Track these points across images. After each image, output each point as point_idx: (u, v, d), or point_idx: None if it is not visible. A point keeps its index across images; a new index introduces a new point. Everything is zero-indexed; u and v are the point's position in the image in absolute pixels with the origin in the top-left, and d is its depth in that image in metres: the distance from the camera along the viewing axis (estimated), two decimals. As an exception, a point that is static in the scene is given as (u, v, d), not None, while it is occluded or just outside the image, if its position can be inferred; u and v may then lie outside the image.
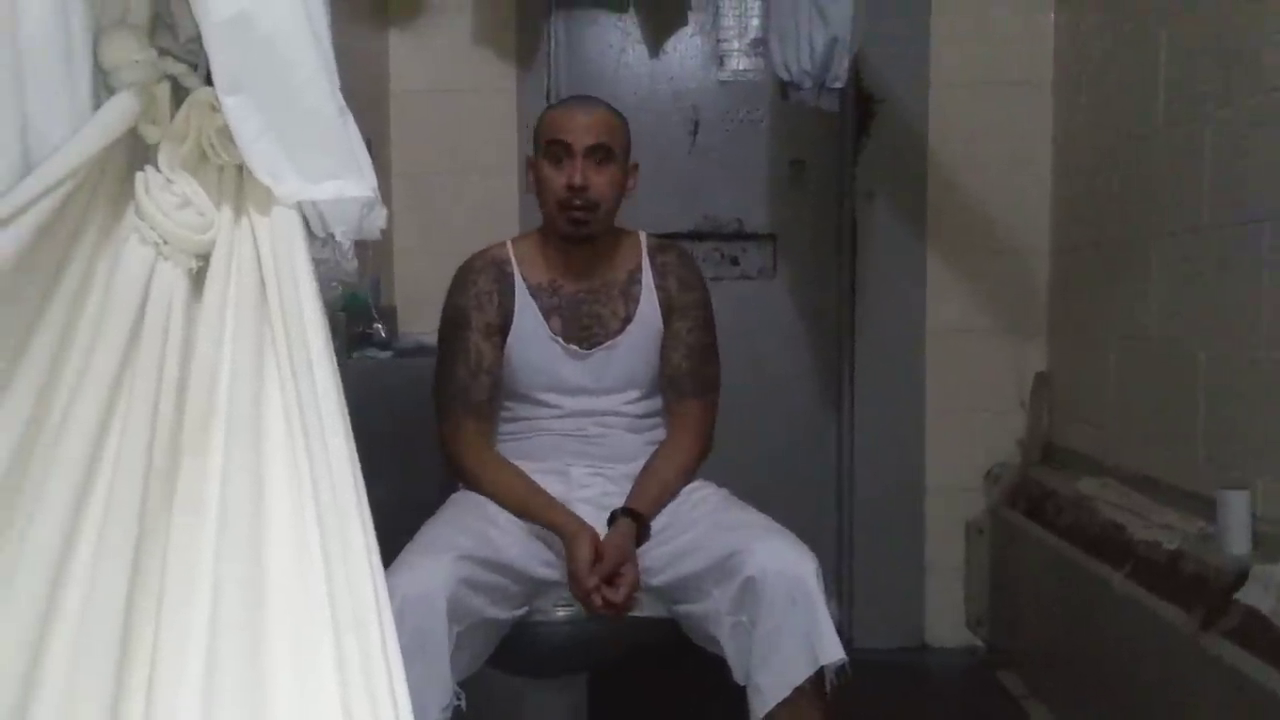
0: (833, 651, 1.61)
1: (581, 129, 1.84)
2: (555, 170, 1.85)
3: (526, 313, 1.90)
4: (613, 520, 1.80)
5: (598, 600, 1.70)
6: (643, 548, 1.79)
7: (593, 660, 1.93)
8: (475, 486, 1.88)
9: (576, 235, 1.88)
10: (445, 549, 1.66)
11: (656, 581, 1.78)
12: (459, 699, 1.58)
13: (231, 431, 0.86)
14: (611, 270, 1.94)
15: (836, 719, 1.67)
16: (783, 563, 1.64)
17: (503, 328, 1.90)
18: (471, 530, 1.75)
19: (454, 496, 1.93)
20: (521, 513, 1.82)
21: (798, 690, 1.61)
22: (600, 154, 1.85)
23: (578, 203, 1.84)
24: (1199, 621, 1.87)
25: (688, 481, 1.92)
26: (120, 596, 0.80)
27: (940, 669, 3.01)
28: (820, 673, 1.61)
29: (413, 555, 1.65)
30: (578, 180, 1.82)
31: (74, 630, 0.79)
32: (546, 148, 1.86)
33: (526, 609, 1.77)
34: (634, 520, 1.79)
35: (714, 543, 1.72)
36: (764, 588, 1.62)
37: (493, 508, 1.84)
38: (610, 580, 1.72)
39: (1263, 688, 1.64)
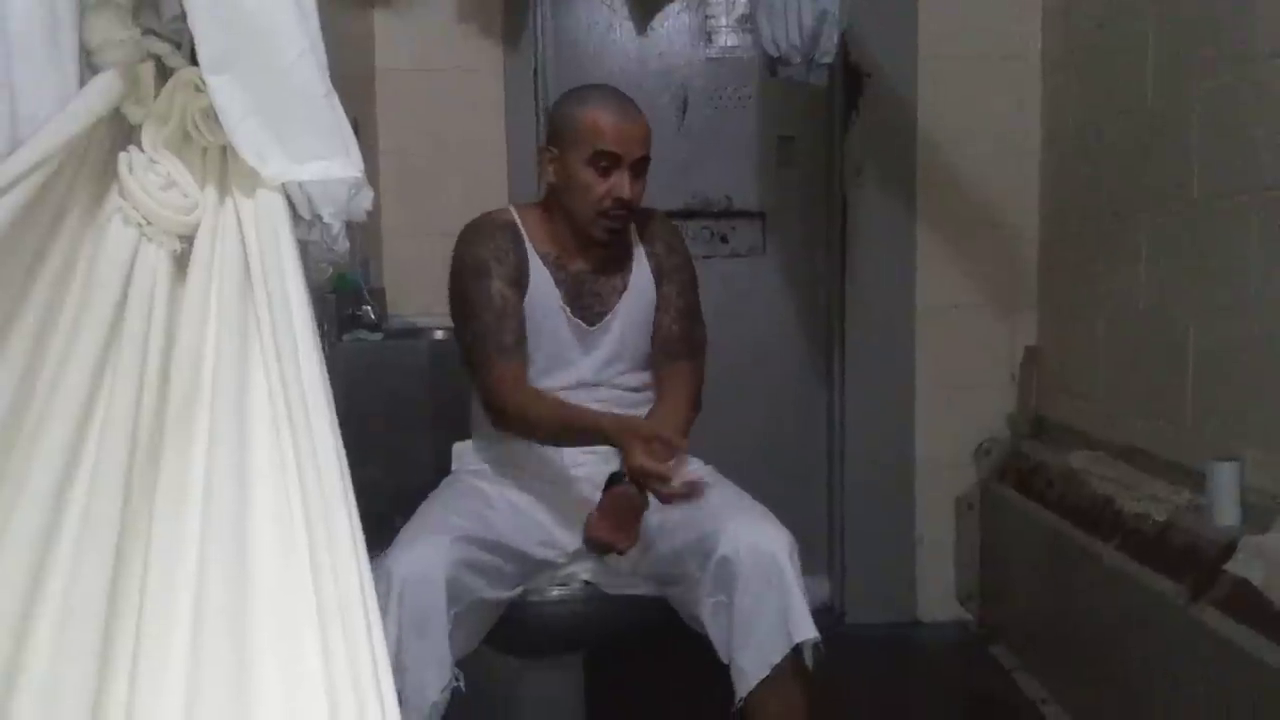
0: (805, 629, 1.61)
1: (633, 142, 1.80)
2: (600, 179, 1.80)
3: (540, 281, 1.87)
4: (611, 483, 1.76)
5: (666, 479, 1.61)
6: None
7: (588, 640, 1.94)
8: (520, 427, 1.81)
9: (609, 241, 1.86)
10: (443, 530, 1.66)
11: (643, 561, 1.79)
12: (457, 679, 1.59)
13: (216, 416, 0.86)
14: (609, 247, 1.93)
15: (823, 695, 1.68)
16: (755, 541, 1.64)
17: (520, 284, 1.86)
18: (468, 511, 1.76)
19: (449, 479, 1.93)
20: (567, 435, 1.77)
21: (777, 668, 1.61)
22: (642, 165, 1.84)
23: (620, 213, 1.82)
24: (1189, 592, 1.88)
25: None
26: (103, 583, 0.80)
27: (931, 643, 3.03)
28: (799, 650, 1.62)
29: (411, 536, 1.65)
30: (628, 194, 1.80)
31: (57, 617, 0.79)
32: (592, 155, 1.79)
33: (522, 589, 1.78)
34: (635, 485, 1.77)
35: (692, 522, 1.72)
36: (738, 567, 1.63)
37: (489, 489, 1.85)
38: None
39: (1252, 657, 1.66)
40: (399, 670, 1.52)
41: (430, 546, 1.61)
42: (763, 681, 1.62)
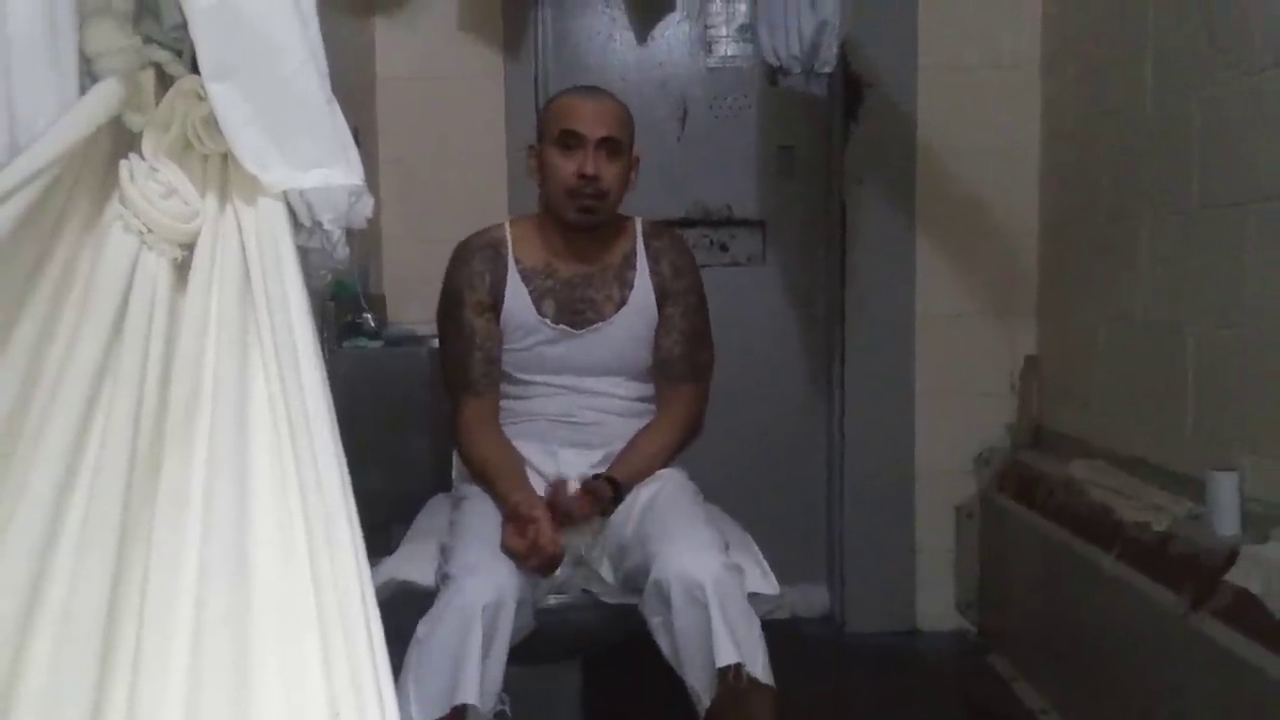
0: (726, 655, 1.56)
1: (595, 120, 1.85)
2: (566, 158, 1.85)
3: (516, 296, 1.91)
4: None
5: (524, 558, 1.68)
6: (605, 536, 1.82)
7: (585, 647, 1.93)
8: (467, 465, 1.93)
9: (584, 223, 1.88)
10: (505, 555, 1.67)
11: (619, 571, 1.80)
12: (504, 703, 1.59)
13: (216, 423, 0.86)
14: (607, 254, 1.95)
15: (822, 703, 1.65)
16: (684, 567, 1.62)
17: (494, 306, 1.92)
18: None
19: (475, 488, 1.91)
20: (488, 490, 1.84)
21: (725, 689, 1.58)
22: (611, 146, 1.86)
23: (588, 191, 1.85)
24: (1189, 602, 1.88)
25: (669, 460, 1.94)
26: (104, 590, 0.80)
27: (931, 652, 3.02)
28: (739, 669, 1.57)
29: (480, 559, 1.65)
30: (590, 169, 1.83)
31: (57, 624, 0.79)
32: (558, 136, 1.86)
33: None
34: (610, 486, 1.81)
35: (641, 542, 1.73)
36: (670, 591, 1.62)
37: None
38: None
39: (1252, 667, 1.65)
40: (487, 686, 1.55)
41: (506, 572, 1.63)
42: (715, 700, 1.59)
